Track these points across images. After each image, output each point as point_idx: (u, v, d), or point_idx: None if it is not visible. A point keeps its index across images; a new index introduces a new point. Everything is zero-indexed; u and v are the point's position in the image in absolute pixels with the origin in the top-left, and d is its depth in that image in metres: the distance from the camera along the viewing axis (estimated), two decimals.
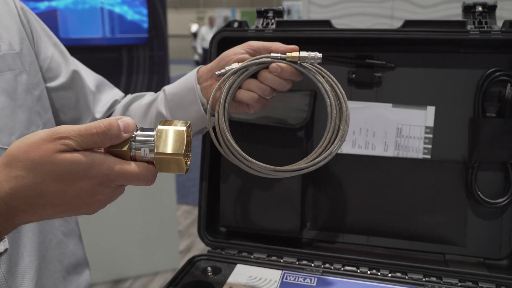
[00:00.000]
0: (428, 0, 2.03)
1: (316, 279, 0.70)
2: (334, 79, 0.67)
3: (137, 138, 0.49)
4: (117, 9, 2.24)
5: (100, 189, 0.48)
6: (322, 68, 0.68)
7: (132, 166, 0.48)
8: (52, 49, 0.75)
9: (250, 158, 0.65)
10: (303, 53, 0.66)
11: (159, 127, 0.49)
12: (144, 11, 2.29)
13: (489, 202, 0.76)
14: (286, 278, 0.71)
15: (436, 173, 0.79)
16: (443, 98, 0.79)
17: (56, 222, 0.74)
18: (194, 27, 14.39)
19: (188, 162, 0.52)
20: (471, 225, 0.78)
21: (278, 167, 0.65)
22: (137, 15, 2.27)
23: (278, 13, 0.87)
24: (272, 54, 0.67)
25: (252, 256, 0.82)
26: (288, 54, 0.66)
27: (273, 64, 0.66)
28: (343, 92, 0.66)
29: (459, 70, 0.79)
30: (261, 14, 0.88)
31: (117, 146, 0.49)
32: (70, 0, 2.15)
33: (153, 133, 0.49)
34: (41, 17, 0.78)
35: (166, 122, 0.50)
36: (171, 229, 2.46)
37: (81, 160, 0.46)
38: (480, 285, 0.73)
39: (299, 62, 0.66)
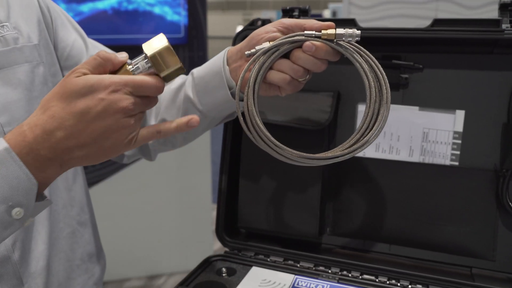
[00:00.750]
0: (474, 1, 1.95)
1: (328, 286, 0.68)
2: (374, 58, 0.61)
3: (132, 61, 0.55)
4: (157, 10, 2.28)
5: (114, 98, 0.50)
6: (361, 47, 0.62)
7: (137, 75, 0.53)
8: (74, 34, 0.75)
9: (280, 144, 0.61)
10: (340, 30, 0.60)
11: (148, 53, 0.54)
12: (184, 12, 2.32)
13: None
14: (298, 284, 0.69)
15: (464, 181, 0.75)
16: (474, 101, 0.75)
17: (72, 211, 0.75)
18: (239, 29, 14.53)
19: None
20: (501, 237, 0.73)
21: (311, 155, 0.61)
22: (176, 15, 2.30)
23: (304, 11, 0.85)
24: (306, 32, 0.61)
25: (268, 259, 0.81)
26: (323, 31, 0.61)
27: (307, 43, 0.60)
28: (384, 73, 0.61)
29: (492, 72, 0.74)
30: (287, 12, 0.86)
31: (119, 71, 0.54)
32: (114, 1, 2.21)
33: (146, 60, 0.55)
34: (87, 18, 0.80)
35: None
36: (206, 228, 2.48)
37: (92, 76, 0.51)
38: None
39: (335, 40, 0.60)
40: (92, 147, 0.51)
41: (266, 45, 0.63)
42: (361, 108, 0.80)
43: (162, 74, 0.54)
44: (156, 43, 0.54)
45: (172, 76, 0.56)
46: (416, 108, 0.77)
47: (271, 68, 0.63)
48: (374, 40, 0.80)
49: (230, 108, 0.72)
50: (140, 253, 2.42)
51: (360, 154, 0.79)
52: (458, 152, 0.75)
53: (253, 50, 0.63)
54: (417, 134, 0.77)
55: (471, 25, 0.72)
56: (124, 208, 2.31)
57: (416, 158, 0.77)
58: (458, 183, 0.75)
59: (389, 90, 0.61)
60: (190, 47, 2.33)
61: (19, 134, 0.50)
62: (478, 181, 0.74)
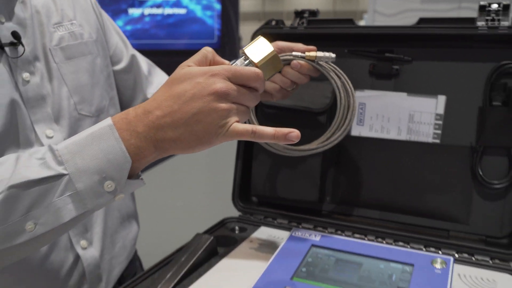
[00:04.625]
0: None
1: (320, 235, 0.81)
2: (345, 76, 0.80)
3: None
4: (193, 18, 2.47)
5: (209, 81, 0.53)
6: (336, 67, 0.81)
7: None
8: (116, 37, 0.92)
9: None
10: (320, 53, 0.80)
11: (245, 49, 0.59)
12: (218, 20, 2.50)
13: (491, 184, 0.82)
14: (295, 233, 0.82)
15: (444, 157, 0.86)
16: (454, 88, 0.87)
17: None
18: None
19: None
20: (475, 205, 0.85)
21: (295, 147, 0.80)
22: (210, 21, 2.48)
23: (313, 13, 1.00)
24: (294, 53, 0.81)
25: (275, 222, 0.95)
26: (307, 53, 0.80)
27: (294, 62, 0.80)
28: (352, 88, 0.80)
29: (470, 64, 0.86)
30: (299, 14, 1.01)
31: None
32: (158, 10, 2.42)
33: (242, 58, 0.60)
34: (131, 22, 0.96)
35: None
36: None
37: (194, 67, 0.56)
38: (475, 257, 0.80)
39: (316, 60, 0.80)
40: (184, 129, 0.53)
41: None
42: (358, 94, 0.92)
43: (259, 64, 0.58)
44: (252, 42, 0.60)
45: (268, 66, 0.59)
46: (405, 94, 0.90)
47: None
48: (370, 37, 0.93)
49: None
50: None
51: (356, 133, 0.93)
52: (439, 132, 0.87)
53: None
54: (404, 116, 0.89)
55: (451, 22, 0.85)
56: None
57: (403, 136, 0.90)
58: (439, 158, 0.87)
59: (355, 101, 0.80)
60: (222, 52, 2.50)
61: (123, 113, 0.55)
62: (456, 157, 0.86)
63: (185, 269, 0.74)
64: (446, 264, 0.70)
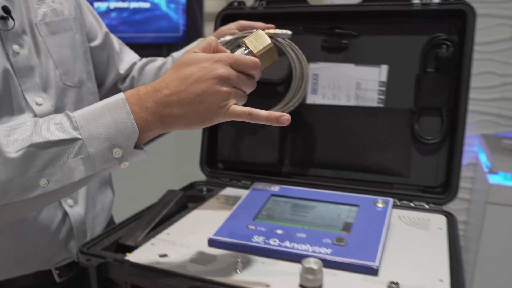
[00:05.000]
0: None
1: (279, 187, 0.91)
2: (299, 51, 0.92)
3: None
4: (159, 12, 2.54)
5: (214, 66, 0.58)
6: (291, 43, 0.92)
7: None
8: (90, 16, 1.00)
9: None
10: (277, 30, 0.92)
11: (245, 40, 0.63)
12: (183, 15, 2.58)
13: (427, 140, 0.94)
14: (257, 186, 0.92)
15: (387, 118, 0.98)
16: (395, 59, 0.98)
17: None
18: None
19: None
20: (414, 160, 0.96)
21: None
22: (175, 15, 2.55)
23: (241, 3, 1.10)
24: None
25: (240, 183, 1.04)
26: (266, 31, 0.89)
27: None
28: (306, 61, 0.92)
29: (408, 37, 0.98)
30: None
31: None
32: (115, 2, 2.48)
33: (243, 48, 0.64)
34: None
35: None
36: None
37: (200, 53, 0.61)
38: (414, 203, 0.91)
39: (274, 37, 0.91)
40: (189, 107, 0.58)
41: (228, 38, 0.94)
42: (312, 66, 1.03)
43: (257, 54, 0.63)
44: (252, 34, 0.65)
45: (266, 56, 0.64)
46: (353, 65, 1.01)
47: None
48: (321, 15, 1.04)
49: None
50: None
51: (311, 101, 1.03)
52: (383, 97, 0.98)
53: (219, 41, 0.92)
54: (352, 84, 1.00)
55: (391, 0, 0.97)
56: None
57: (352, 102, 1.01)
58: (383, 120, 0.98)
59: (308, 72, 0.92)
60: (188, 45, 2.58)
61: (135, 89, 0.60)
62: (398, 118, 0.97)
63: (159, 218, 0.82)
64: (386, 204, 0.81)
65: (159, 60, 1.07)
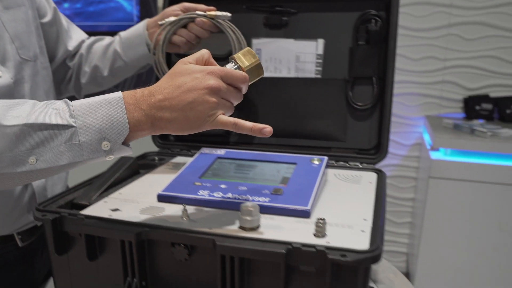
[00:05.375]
0: None
1: (225, 151, 0.98)
2: (238, 31, 1.01)
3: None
4: (114, 3, 2.57)
5: (205, 77, 0.63)
6: (231, 24, 1.00)
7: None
8: None
9: None
10: (218, 12, 1.00)
11: (234, 56, 0.69)
12: (137, 7, 2.61)
13: (360, 106, 1.03)
14: (204, 151, 0.99)
15: (324, 88, 1.06)
16: (330, 33, 1.07)
17: None
18: None
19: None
20: (349, 125, 1.06)
21: None
22: (129, 6, 2.58)
23: None
24: (197, 12, 1.00)
25: (189, 152, 1.11)
26: (208, 12, 0.98)
27: (198, 19, 0.99)
28: (244, 40, 1.00)
29: (342, 13, 1.07)
30: None
31: None
32: None
33: (233, 63, 0.69)
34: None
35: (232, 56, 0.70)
36: None
37: (194, 65, 0.66)
38: (349, 163, 1.01)
39: (215, 18, 0.98)
40: (179, 113, 0.62)
41: (173, 19, 1.01)
42: (255, 41, 1.10)
43: (246, 69, 0.69)
44: (249, 58, 0.69)
45: (253, 71, 0.69)
46: (292, 39, 1.09)
47: (174, 33, 1.02)
48: None
49: (146, 60, 1.05)
50: None
51: None
52: (320, 68, 1.07)
53: (164, 21, 1.02)
54: (292, 57, 1.08)
55: None
56: None
57: (292, 74, 1.09)
58: (321, 90, 1.07)
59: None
60: None
61: (132, 91, 0.64)
62: (334, 88, 1.06)
63: (111, 180, 0.88)
64: (321, 161, 0.90)
65: (107, 39, 1.12)
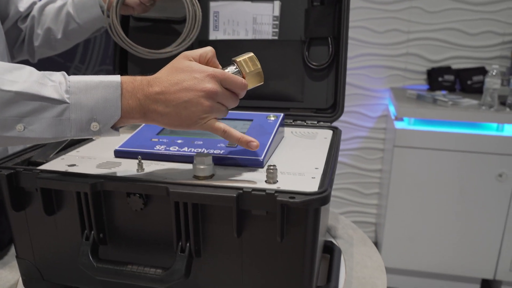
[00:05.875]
0: None
1: None
2: None
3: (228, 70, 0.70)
4: None
5: (204, 80, 0.63)
6: None
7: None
8: None
9: (133, 43, 0.96)
10: None
11: (237, 59, 0.71)
12: None
13: (317, 66, 1.05)
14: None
15: (281, 49, 1.08)
16: None
17: None
18: None
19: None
20: (307, 86, 1.08)
21: (153, 50, 0.99)
22: None
23: None
24: None
25: None
26: None
27: None
28: (197, 2, 1.00)
29: None
30: None
31: None
32: None
33: (234, 66, 0.70)
34: None
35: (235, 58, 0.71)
36: None
37: (197, 64, 0.66)
38: (307, 122, 1.03)
39: None
40: (173, 109, 0.63)
41: None
42: (212, 4, 1.11)
43: (247, 75, 0.70)
44: (244, 55, 0.72)
45: (254, 78, 0.71)
46: (249, 2, 1.10)
47: None
48: None
49: (100, 22, 1.05)
50: None
51: (213, 37, 1.11)
52: (276, 30, 1.08)
53: None
54: (249, 19, 1.09)
55: None
56: None
57: (250, 36, 1.10)
58: (278, 51, 1.08)
59: (200, 12, 1.01)
60: None
61: (132, 78, 0.64)
62: (290, 48, 1.08)
63: (69, 139, 0.88)
64: (277, 117, 0.92)
65: (59, 1, 1.11)
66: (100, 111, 0.62)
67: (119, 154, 0.81)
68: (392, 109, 2.40)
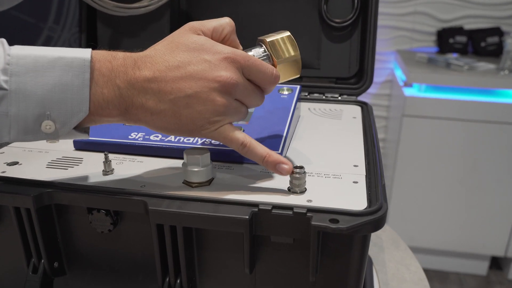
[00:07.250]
0: None
1: None
2: None
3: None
4: None
5: (220, 65, 0.43)
6: None
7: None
8: None
9: None
10: None
11: (267, 39, 0.48)
12: None
13: (338, 23, 0.82)
14: None
15: (292, 2, 0.85)
16: None
17: None
18: None
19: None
20: (324, 49, 0.85)
21: (123, 5, 0.79)
22: None
23: None
24: None
25: None
26: None
27: None
28: None
29: None
30: None
31: None
32: None
33: (262, 48, 0.48)
34: None
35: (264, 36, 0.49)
36: None
37: (209, 39, 0.44)
38: (326, 95, 0.81)
39: None
40: (168, 106, 0.42)
41: None
42: None
43: (279, 62, 0.48)
44: (277, 34, 0.49)
45: (288, 69, 0.49)
46: None
47: None
48: None
49: None
50: None
51: None
52: None
53: None
54: None
55: None
56: None
57: None
58: (287, 4, 0.85)
59: None
60: None
61: (111, 55, 0.43)
62: (305, 3, 0.84)
63: None
64: (293, 91, 0.69)
65: None
66: (56, 103, 0.40)
67: (80, 146, 0.59)
68: (399, 74, 2.18)
